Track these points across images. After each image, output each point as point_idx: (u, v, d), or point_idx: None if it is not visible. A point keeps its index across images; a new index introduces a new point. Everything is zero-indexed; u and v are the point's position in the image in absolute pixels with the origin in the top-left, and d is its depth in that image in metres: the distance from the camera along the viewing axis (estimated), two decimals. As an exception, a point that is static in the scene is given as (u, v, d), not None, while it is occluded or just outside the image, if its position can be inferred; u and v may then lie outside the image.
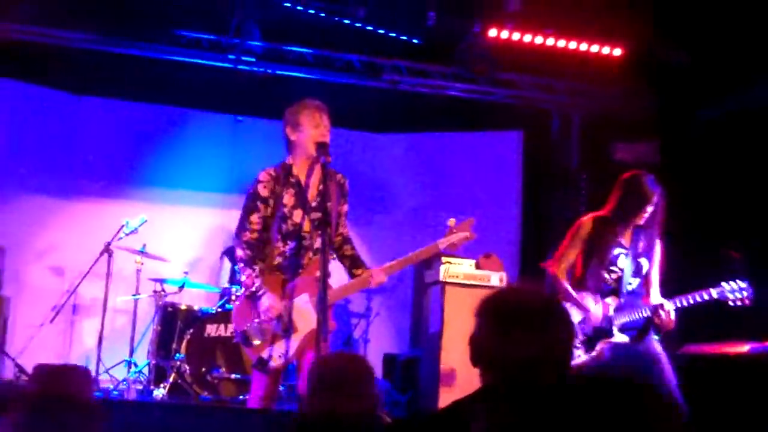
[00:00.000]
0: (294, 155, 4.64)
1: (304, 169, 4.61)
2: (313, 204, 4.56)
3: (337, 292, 4.58)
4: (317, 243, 4.45)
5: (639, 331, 5.09)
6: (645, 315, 5.03)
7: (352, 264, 4.68)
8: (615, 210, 5.19)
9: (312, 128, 4.53)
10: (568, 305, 5.11)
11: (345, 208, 4.72)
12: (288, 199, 4.56)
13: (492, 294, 2.30)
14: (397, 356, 8.06)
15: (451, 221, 4.77)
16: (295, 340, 4.42)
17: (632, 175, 5.21)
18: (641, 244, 5.18)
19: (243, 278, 4.57)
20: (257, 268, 4.49)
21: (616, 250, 5.17)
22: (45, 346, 7.99)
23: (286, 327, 4.41)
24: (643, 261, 5.18)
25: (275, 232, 4.55)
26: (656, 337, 5.13)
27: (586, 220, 5.29)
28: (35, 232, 8.28)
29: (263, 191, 4.57)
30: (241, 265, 4.56)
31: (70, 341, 8.19)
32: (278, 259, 4.54)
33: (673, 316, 4.97)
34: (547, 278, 5.42)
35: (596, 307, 5.12)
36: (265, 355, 4.43)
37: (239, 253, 4.57)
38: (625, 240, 5.19)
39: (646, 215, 5.14)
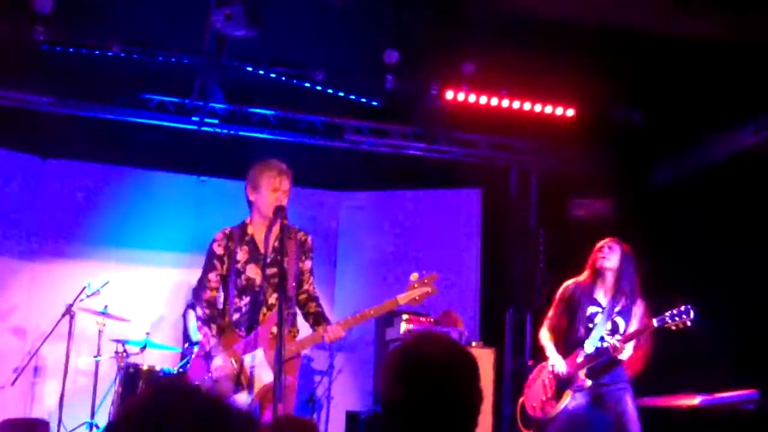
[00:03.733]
0: (252, 214, 4.73)
1: (260, 228, 4.68)
2: (269, 260, 4.62)
3: (293, 347, 4.57)
4: (272, 298, 4.52)
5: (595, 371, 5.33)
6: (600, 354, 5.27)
7: (315, 321, 4.70)
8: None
9: (270, 191, 4.59)
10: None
11: (307, 264, 4.75)
12: (241, 255, 4.63)
13: (397, 348, 2.35)
14: (359, 413, 8.08)
15: (414, 276, 4.75)
16: (249, 397, 4.44)
17: None
18: (621, 304, 5.39)
19: (200, 337, 4.63)
20: (214, 327, 4.55)
21: (592, 309, 5.41)
22: (6, 408, 7.90)
23: (237, 383, 4.45)
24: (619, 320, 5.39)
25: (231, 288, 4.61)
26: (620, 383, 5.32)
27: (568, 283, 5.61)
28: (-3, 294, 8.25)
29: (218, 249, 4.66)
30: (200, 323, 4.62)
31: (32, 403, 8.11)
32: (235, 315, 4.59)
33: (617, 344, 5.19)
34: None
35: (560, 360, 5.36)
36: None
37: (198, 312, 4.64)
38: (602, 299, 5.42)
39: (602, 268, 5.38)
